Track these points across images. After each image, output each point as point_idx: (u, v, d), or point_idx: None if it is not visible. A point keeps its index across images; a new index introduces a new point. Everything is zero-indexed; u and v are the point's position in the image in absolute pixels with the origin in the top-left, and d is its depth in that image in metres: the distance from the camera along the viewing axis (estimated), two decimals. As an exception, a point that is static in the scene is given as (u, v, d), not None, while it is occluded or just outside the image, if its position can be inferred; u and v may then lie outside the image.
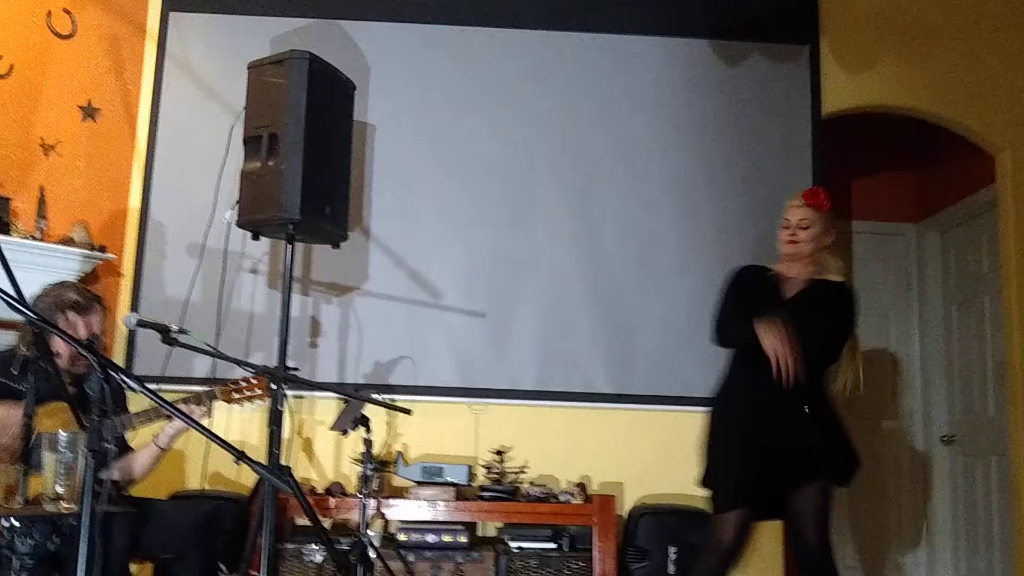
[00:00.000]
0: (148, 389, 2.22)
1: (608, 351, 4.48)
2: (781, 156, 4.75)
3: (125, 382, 2.12)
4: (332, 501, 4.21)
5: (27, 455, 2.47)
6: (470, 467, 4.37)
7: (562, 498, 4.30)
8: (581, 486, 4.35)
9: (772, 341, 3.32)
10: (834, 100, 4.84)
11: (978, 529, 5.33)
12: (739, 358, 3.58)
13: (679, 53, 4.80)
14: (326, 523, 4.13)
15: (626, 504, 4.51)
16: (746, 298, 3.53)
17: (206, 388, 3.17)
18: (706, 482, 3.62)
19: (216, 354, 3.31)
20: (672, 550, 4.12)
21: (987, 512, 5.22)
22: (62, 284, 3.27)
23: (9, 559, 2.12)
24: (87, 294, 3.21)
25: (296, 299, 4.17)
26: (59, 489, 2.18)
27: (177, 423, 3.04)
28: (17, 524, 2.09)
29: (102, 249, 4.47)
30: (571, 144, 4.74)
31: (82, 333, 3.09)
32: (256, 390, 3.18)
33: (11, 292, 2.27)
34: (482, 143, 4.74)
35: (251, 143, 3.82)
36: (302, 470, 4.47)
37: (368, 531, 3.90)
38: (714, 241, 4.64)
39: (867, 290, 5.88)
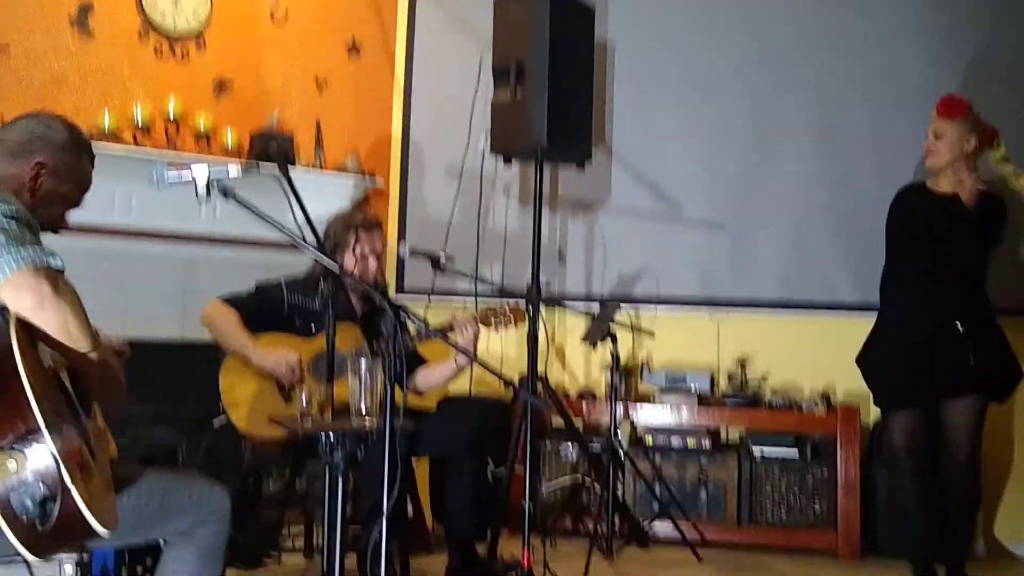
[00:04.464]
0: (429, 327, 2.59)
1: (851, 261, 4.46)
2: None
3: (415, 322, 2.47)
4: (584, 405, 4.57)
5: (331, 375, 2.93)
6: (712, 375, 4.57)
7: (805, 407, 4.41)
8: (825, 396, 4.45)
9: None
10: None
11: None
12: (896, 278, 3.67)
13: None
14: (578, 424, 4.48)
15: (870, 415, 4.53)
16: (904, 225, 3.64)
17: (471, 314, 3.50)
18: (871, 384, 3.75)
19: (478, 279, 3.67)
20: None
21: None
22: (351, 209, 3.82)
23: (327, 465, 2.56)
24: (371, 216, 3.67)
25: (545, 215, 4.44)
26: (362, 406, 2.60)
27: (466, 340, 3.37)
28: (332, 437, 2.52)
29: (371, 175, 4.95)
30: (816, 58, 4.67)
31: (368, 251, 3.49)
32: (511, 317, 3.49)
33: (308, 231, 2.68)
34: (722, 57, 4.76)
35: (499, 75, 4.08)
36: (556, 375, 4.83)
37: (618, 433, 4.23)
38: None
39: None
